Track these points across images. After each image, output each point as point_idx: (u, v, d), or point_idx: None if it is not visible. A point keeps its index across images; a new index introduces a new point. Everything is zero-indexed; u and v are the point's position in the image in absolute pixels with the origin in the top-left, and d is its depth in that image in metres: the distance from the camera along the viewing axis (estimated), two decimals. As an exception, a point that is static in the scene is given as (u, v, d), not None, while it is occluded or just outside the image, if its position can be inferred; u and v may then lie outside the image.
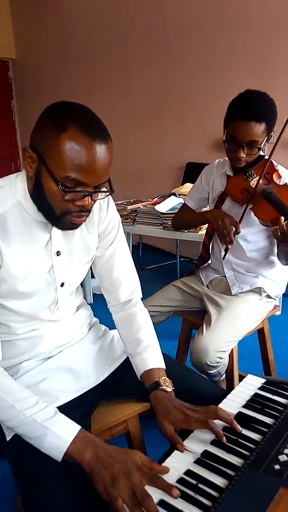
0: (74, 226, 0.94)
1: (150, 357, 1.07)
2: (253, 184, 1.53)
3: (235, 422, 0.89)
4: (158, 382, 1.02)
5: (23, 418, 0.85)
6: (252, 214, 1.56)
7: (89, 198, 0.89)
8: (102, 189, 0.91)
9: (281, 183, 1.56)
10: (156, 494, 0.75)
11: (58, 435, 0.84)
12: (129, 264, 1.18)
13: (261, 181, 1.52)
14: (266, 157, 1.57)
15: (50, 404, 0.90)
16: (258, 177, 1.52)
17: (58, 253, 1.02)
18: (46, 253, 1.00)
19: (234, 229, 1.53)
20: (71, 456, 0.83)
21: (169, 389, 1.01)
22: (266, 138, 1.49)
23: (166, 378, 1.03)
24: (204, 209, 1.85)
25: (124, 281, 1.17)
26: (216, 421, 0.89)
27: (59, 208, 0.89)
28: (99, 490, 0.78)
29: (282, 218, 1.45)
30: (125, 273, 1.17)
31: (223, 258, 1.69)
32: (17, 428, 0.88)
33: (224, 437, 0.86)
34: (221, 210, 1.66)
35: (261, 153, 1.57)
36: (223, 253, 1.67)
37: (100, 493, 0.78)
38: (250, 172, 1.56)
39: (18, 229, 0.94)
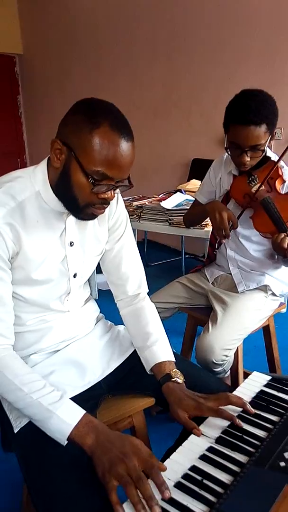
0: (93, 217, 0.99)
1: (160, 350, 1.09)
2: (255, 190, 1.49)
3: (247, 405, 0.92)
4: (169, 374, 1.04)
5: (29, 401, 0.88)
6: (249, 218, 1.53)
7: (112, 191, 0.93)
8: (123, 184, 0.95)
9: (283, 191, 1.51)
10: (161, 489, 0.75)
11: (62, 419, 0.86)
12: (136, 259, 1.21)
13: (263, 187, 1.47)
14: (272, 158, 1.53)
15: None
16: (260, 183, 1.47)
17: (71, 244, 1.05)
18: (60, 243, 1.03)
19: (231, 223, 1.50)
20: (74, 440, 0.85)
21: (181, 380, 1.03)
22: (270, 137, 1.44)
23: (177, 370, 1.06)
24: None
25: (131, 275, 1.19)
26: (230, 407, 0.93)
27: (84, 200, 0.93)
28: (98, 475, 0.80)
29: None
30: (133, 268, 1.19)
31: (216, 249, 1.66)
32: (24, 410, 0.90)
33: (238, 420, 0.89)
34: (221, 203, 1.62)
35: (270, 152, 1.54)
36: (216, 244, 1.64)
37: (99, 478, 0.80)
38: (253, 176, 1.51)
39: (35, 218, 0.97)
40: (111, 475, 0.77)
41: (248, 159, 1.45)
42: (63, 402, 0.89)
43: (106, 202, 0.95)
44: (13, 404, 0.93)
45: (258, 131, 1.39)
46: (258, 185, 1.48)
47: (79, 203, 0.94)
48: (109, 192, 0.93)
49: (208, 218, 2.18)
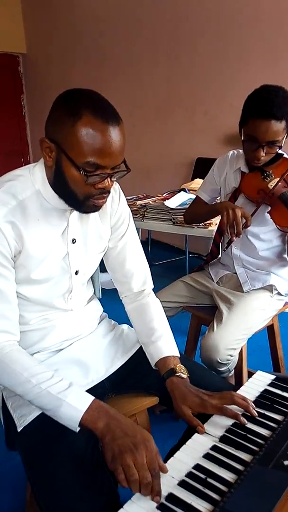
0: (96, 208, 0.98)
1: (165, 345, 1.09)
2: (271, 186, 1.49)
3: (251, 407, 0.91)
4: (174, 369, 1.04)
5: (38, 392, 0.89)
6: (267, 214, 1.53)
7: (109, 180, 0.92)
8: (120, 169, 0.93)
9: None
10: (164, 488, 0.75)
11: (72, 406, 0.87)
12: (140, 256, 1.21)
13: (280, 183, 1.48)
14: (285, 155, 1.52)
15: None
16: (278, 179, 1.47)
17: (73, 241, 1.05)
18: (62, 240, 1.03)
19: (244, 221, 1.47)
20: (85, 425, 0.86)
21: (185, 376, 1.03)
22: (286, 135, 1.44)
23: (181, 365, 1.05)
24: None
25: (136, 272, 1.19)
26: (233, 407, 0.92)
27: (82, 193, 0.93)
28: (106, 459, 0.82)
29: None
30: (137, 265, 1.19)
31: (224, 250, 1.66)
32: (34, 401, 0.91)
33: (242, 418, 0.89)
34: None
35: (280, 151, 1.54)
36: (225, 244, 1.63)
37: (107, 462, 0.81)
38: (268, 172, 1.50)
39: (36, 217, 0.97)
40: (119, 461, 0.79)
41: (264, 154, 1.44)
42: (72, 390, 0.90)
43: (104, 192, 0.94)
44: (23, 397, 0.93)
45: (277, 126, 1.39)
46: (276, 180, 1.49)
47: (78, 197, 0.94)
48: (105, 181, 0.91)
49: (210, 218, 2.17)
